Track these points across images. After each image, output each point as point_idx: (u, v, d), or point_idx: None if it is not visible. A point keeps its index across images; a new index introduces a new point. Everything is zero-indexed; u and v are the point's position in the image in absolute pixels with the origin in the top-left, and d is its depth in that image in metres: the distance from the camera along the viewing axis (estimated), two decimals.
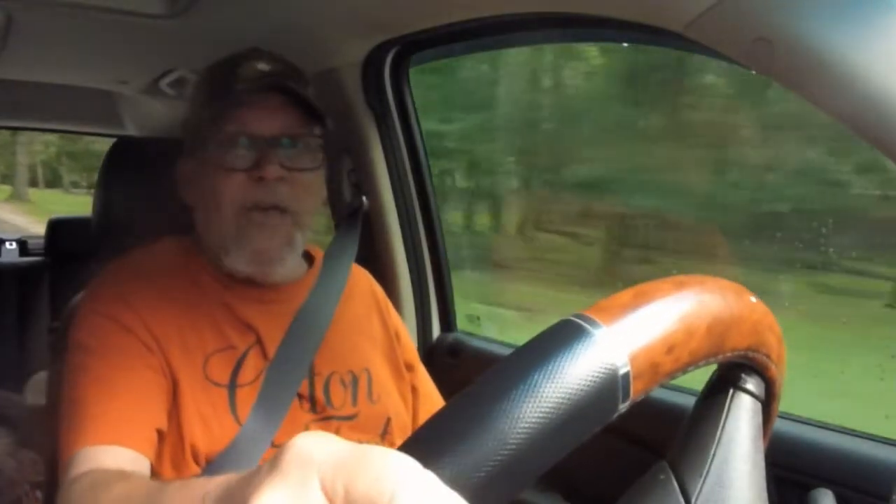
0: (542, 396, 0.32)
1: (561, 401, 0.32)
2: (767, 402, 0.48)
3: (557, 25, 1.08)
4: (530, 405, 0.31)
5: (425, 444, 0.30)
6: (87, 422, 0.78)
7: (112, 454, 0.76)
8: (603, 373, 0.34)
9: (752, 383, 0.46)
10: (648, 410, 0.93)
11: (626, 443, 1.02)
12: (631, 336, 0.36)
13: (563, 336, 0.35)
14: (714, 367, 0.49)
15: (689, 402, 1.05)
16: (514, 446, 0.30)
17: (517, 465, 0.30)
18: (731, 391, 0.46)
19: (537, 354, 0.34)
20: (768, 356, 0.46)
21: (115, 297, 0.86)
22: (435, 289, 1.52)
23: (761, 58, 0.68)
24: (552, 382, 0.32)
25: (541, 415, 0.31)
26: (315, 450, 0.26)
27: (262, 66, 0.90)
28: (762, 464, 0.45)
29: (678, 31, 0.76)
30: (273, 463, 0.27)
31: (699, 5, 0.71)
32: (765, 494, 0.45)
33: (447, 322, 1.54)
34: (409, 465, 0.25)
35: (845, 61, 0.62)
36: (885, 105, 0.61)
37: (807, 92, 0.67)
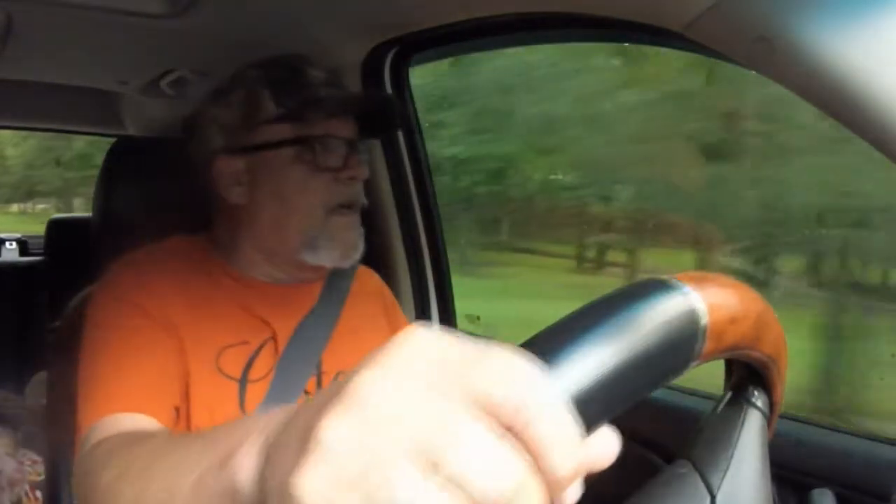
0: (637, 326, 0.35)
1: (653, 332, 0.35)
2: (767, 422, 0.51)
3: (557, 25, 1.08)
4: (626, 331, 0.34)
5: (536, 351, 0.32)
6: (110, 391, 0.78)
7: (136, 421, 0.75)
8: (688, 317, 0.37)
9: (761, 402, 0.50)
10: (649, 410, 0.93)
11: (627, 441, 1.02)
12: (708, 299, 0.39)
13: (651, 285, 0.38)
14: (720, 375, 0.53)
15: (689, 403, 1.05)
16: (610, 369, 0.32)
17: (610, 389, 0.32)
18: (745, 406, 0.50)
19: (630, 295, 0.36)
20: (779, 373, 0.49)
21: (134, 284, 0.88)
22: (435, 289, 1.52)
23: (761, 58, 0.68)
24: (646, 315, 0.35)
25: (635, 342, 0.34)
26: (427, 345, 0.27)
27: (318, 73, 0.95)
28: (768, 474, 0.49)
29: (678, 31, 0.76)
30: (341, 384, 0.27)
31: (699, 5, 0.71)
32: (770, 498, 0.48)
33: (447, 322, 1.54)
34: (537, 374, 0.26)
35: (845, 61, 0.62)
36: (885, 105, 0.61)
37: (807, 92, 0.67)
